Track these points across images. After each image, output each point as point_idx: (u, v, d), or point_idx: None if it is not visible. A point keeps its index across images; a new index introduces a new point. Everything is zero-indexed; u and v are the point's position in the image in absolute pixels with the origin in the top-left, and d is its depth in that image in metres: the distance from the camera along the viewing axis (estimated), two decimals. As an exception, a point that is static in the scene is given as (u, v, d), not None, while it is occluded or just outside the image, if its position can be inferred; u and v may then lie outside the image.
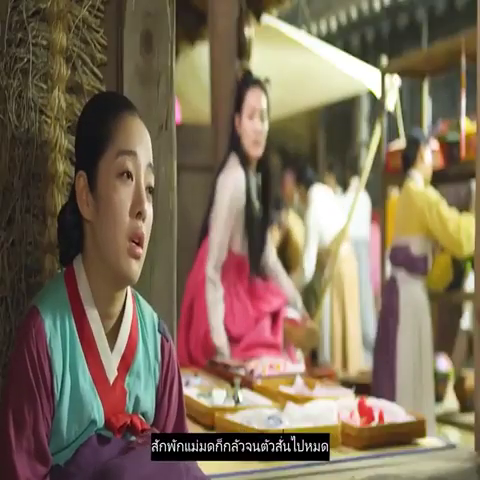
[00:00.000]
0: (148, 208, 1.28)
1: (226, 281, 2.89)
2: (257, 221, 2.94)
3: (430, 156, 3.62)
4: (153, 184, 1.30)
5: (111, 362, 1.28)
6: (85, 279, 1.28)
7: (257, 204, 2.94)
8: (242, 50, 3.39)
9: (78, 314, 1.27)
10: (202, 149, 3.50)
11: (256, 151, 2.91)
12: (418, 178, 3.56)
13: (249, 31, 3.41)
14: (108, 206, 1.25)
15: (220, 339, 2.75)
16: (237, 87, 3.03)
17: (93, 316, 1.28)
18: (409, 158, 3.62)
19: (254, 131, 2.89)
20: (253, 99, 2.91)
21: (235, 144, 2.93)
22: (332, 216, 5.14)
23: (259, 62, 3.70)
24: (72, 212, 1.31)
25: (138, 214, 1.26)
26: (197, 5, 4.08)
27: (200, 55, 4.61)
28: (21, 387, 1.20)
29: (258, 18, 3.77)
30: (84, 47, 1.53)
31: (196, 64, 4.99)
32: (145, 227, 1.27)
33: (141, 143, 1.29)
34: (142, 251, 1.27)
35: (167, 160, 1.58)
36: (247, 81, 2.96)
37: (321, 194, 5.26)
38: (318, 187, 5.33)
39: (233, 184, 2.86)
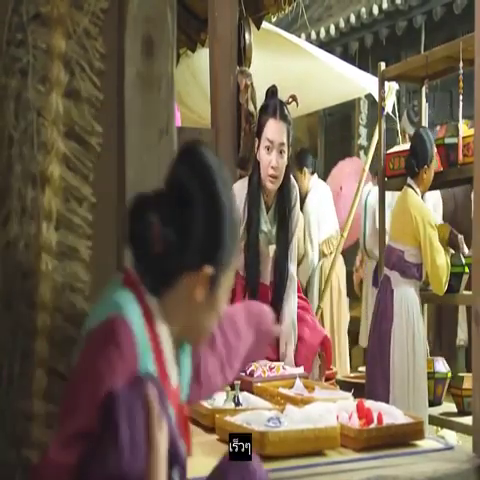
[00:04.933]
0: None
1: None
2: (258, 246, 2.80)
3: (432, 175, 3.57)
4: None
5: (174, 373, 1.31)
6: (161, 319, 1.27)
7: (264, 227, 2.80)
8: (242, 55, 3.39)
9: (151, 332, 1.25)
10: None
11: (271, 185, 2.77)
12: (417, 189, 3.57)
13: (249, 36, 3.41)
14: (219, 300, 1.30)
15: None
16: (260, 109, 2.86)
17: (165, 336, 1.29)
18: (412, 171, 3.56)
19: (270, 165, 2.74)
20: (272, 132, 2.73)
21: (254, 168, 2.82)
22: (329, 210, 5.22)
23: (259, 66, 3.71)
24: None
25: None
26: (198, 11, 4.09)
27: (200, 60, 4.62)
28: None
29: (258, 24, 3.77)
30: (83, 54, 1.52)
31: (196, 68, 5.00)
32: None
33: None
34: None
35: (168, 165, 1.59)
36: (269, 108, 2.77)
37: (321, 185, 5.39)
38: (318, 179, 5.45)
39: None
